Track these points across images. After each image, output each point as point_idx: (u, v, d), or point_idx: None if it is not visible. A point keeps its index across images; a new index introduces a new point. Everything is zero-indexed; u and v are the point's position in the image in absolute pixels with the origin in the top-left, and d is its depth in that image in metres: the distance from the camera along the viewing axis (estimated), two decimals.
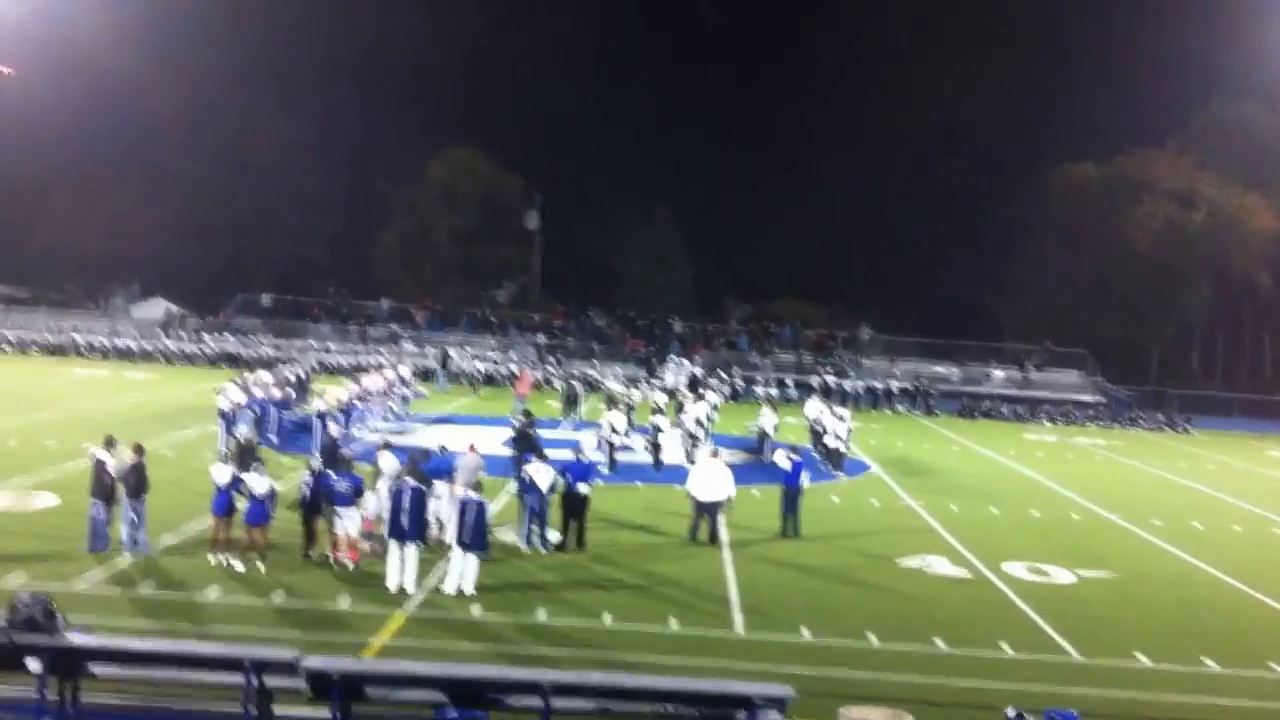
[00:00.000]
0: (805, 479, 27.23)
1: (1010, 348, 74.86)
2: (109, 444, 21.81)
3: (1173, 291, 77.35)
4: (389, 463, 23.29)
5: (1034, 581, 23.95)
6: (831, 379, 64.21)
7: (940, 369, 70.08)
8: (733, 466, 27.41)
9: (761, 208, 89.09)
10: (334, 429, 30.07)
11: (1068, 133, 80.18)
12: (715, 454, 27.24)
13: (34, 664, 13.58)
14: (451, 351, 63.60)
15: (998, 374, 70.42)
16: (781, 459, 27.54)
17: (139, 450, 21.76)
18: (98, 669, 13.97)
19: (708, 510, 25.59)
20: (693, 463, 35.15)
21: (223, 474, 21.62)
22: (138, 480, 21.22)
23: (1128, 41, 79.52)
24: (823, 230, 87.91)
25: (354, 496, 21.55)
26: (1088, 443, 52.96)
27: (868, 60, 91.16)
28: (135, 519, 21.34)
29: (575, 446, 26.47)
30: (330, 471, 22.20)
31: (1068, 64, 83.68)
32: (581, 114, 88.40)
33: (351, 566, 21.34)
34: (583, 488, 24.35)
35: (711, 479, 25.66)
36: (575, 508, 24.31)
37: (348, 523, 21.53)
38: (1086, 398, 67.94)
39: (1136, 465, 45.78)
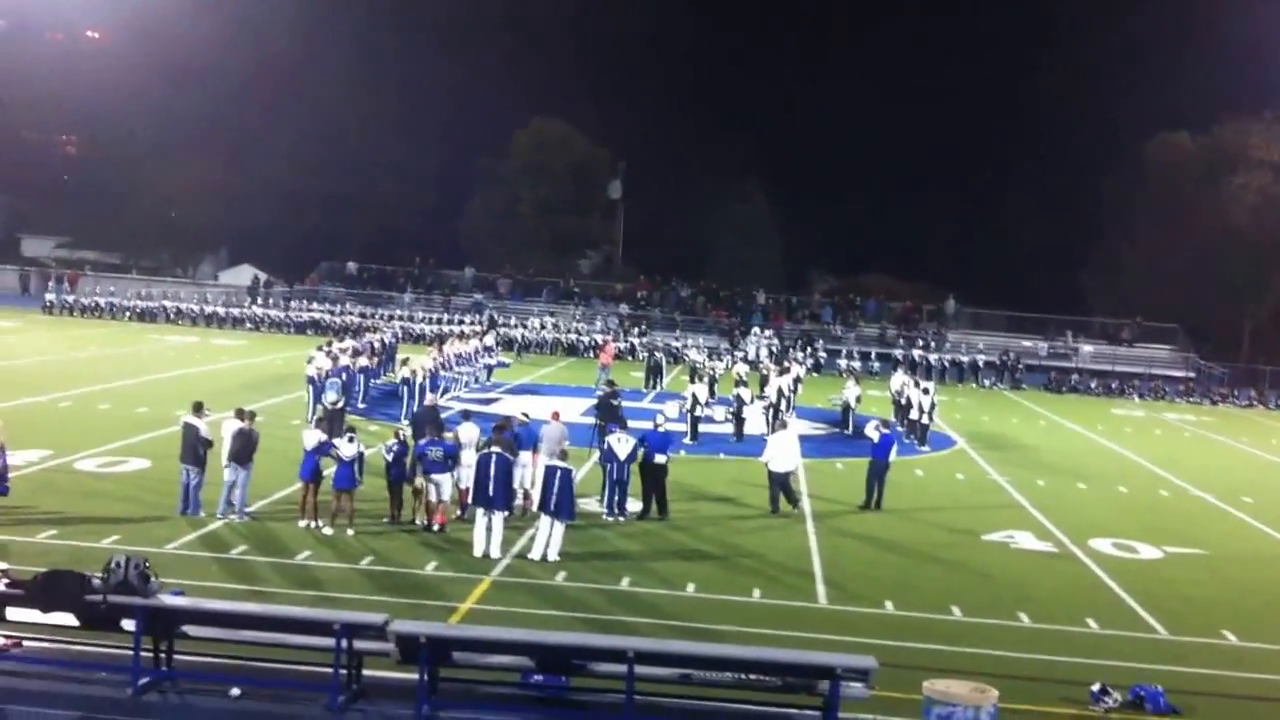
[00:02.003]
0: (894, 453, 27.09)
1: (1100, 322, 73.81)
2: (197, 409, 22.16)
3: (1268, 265, 75.62)
4: (470, 432, 23.45)
5: (1121, 558, 23.68)
6: (916, 352, 63.76)
7: (1027, 343, 69.29)
8: (817, 438, 27.26)
9: (851, 182, 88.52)
10: (428, 396, 30.35)
11: (1162, 102, 78.50)
12: (784, 425, 27.19)
13: (129, 624, 13.90)
14: (545, 321, 64.13)
15: (1086, 348, 69.45)
16: (871, 431, 27.44)
17: (239, 415, 22.07)
18: (191, 630, 14.27)
19: (780, 481, 25.51)
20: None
21: (312, 439, 21.93)
22: (241, 445, 21.53)
23: (1225, 9, 77.70)
24: (911, 205, 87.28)
25: (448, 464, 21.74)
26: (1177, 419, 52.17)
27: (958, 32, 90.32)
28: (235, 483, 21.71)
29: (656, 417, 26.53)
30: (425, 439, 22.34)
31: (1163, 32, 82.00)
32: (670, 87, 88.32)
33: (437, 529, 21.61)
34: (660, 458, 24.38)
35: (783, 450, 25.60)
36: (653, 477, 24.38)
37: (441, 489, 21.77)
38: (1177, 373, 66.87)
39: (1227, 442, 45.04)
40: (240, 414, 22.18)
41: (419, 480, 22.05)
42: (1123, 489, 32.22)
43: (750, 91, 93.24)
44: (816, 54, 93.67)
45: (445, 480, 21.78)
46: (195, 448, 21.70)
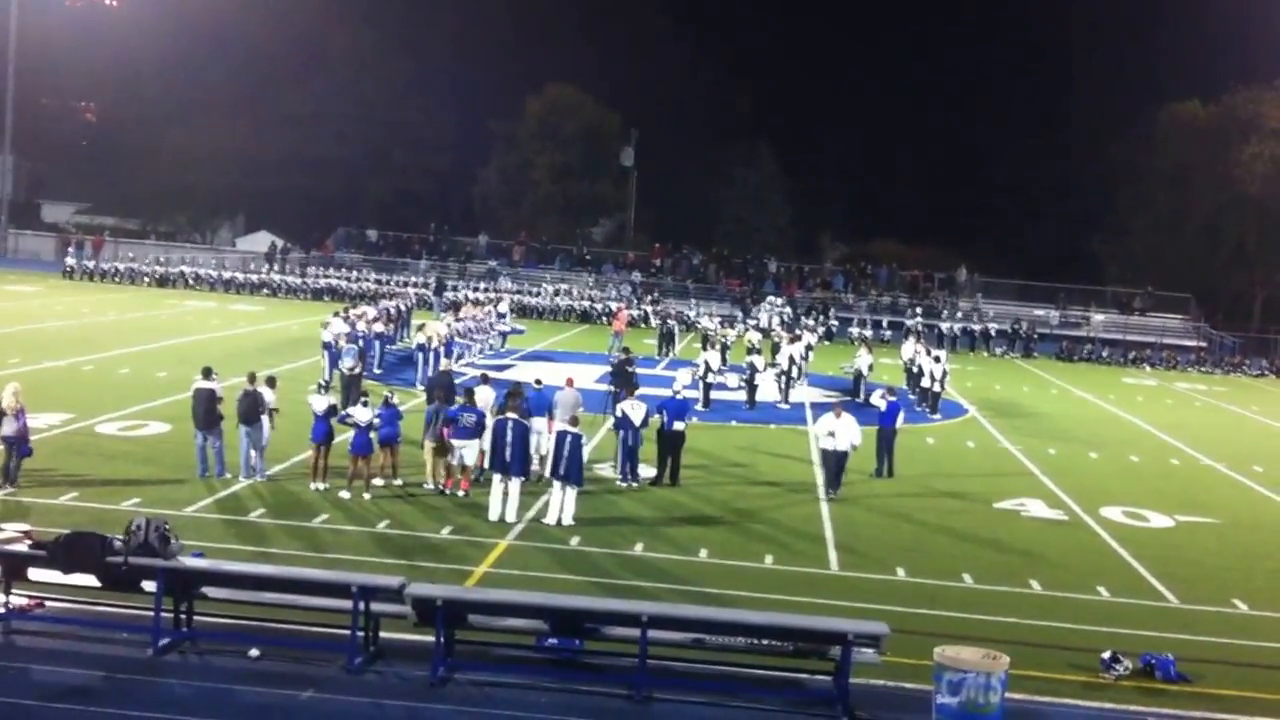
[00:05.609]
0: (900, 420, 27.14)
1: (1111, 290, 73.65)
2: (206, 374, 22.29)
3: None
4: (486, 396, 23.56)
5: (1132, 526, 23.77)
6: (920, 320, 63.48)
7: (1039, 311, 69.16)
8: (829, 406, 27.14)
9: (863, 148, 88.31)
10: (445, 363, 30.48)
11: (1174, 70, 78.15)
12: (839, 412, 24.60)
13: (150, 586, 14.12)
14: (559, 288, 64.00)
15: (1098, 317, 69.31)
16: (877, 399, 27.53)
17: (250, 379, 22.23)
18: (211, 591, 14.49)
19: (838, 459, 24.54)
20: (787, 403, 35.45)
21: (320, 403, 22.07)
22: (246, 406, 21.70)
23: None
24: (923, 171, 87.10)
25: (477, 431, 21.77)
26: (1188, 388, 52.12)
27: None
28: (250, 446, 21.91)
29: (671, 384, 26.62)
30: (457, 405, 22.39)
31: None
32: (679, 52, 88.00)
33: (463, 494, 21.81)
34: (678, 425, 24.48)
35: (841, 429, 24.83)
36: (671, 445, 24.48)
37: (466, 454, 21.92)
38: (1189, 342, 66.69)
39: (1238, 411, 45.02)
40: (252, 377, 22.35)
41: (430, 444, 22.27)
42: (1134, 457, 32.29)
43: (759, 55, 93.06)
44: (826, 17, 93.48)
45: (472, 446, 21.85)
46: (208, 412, 21.86)
